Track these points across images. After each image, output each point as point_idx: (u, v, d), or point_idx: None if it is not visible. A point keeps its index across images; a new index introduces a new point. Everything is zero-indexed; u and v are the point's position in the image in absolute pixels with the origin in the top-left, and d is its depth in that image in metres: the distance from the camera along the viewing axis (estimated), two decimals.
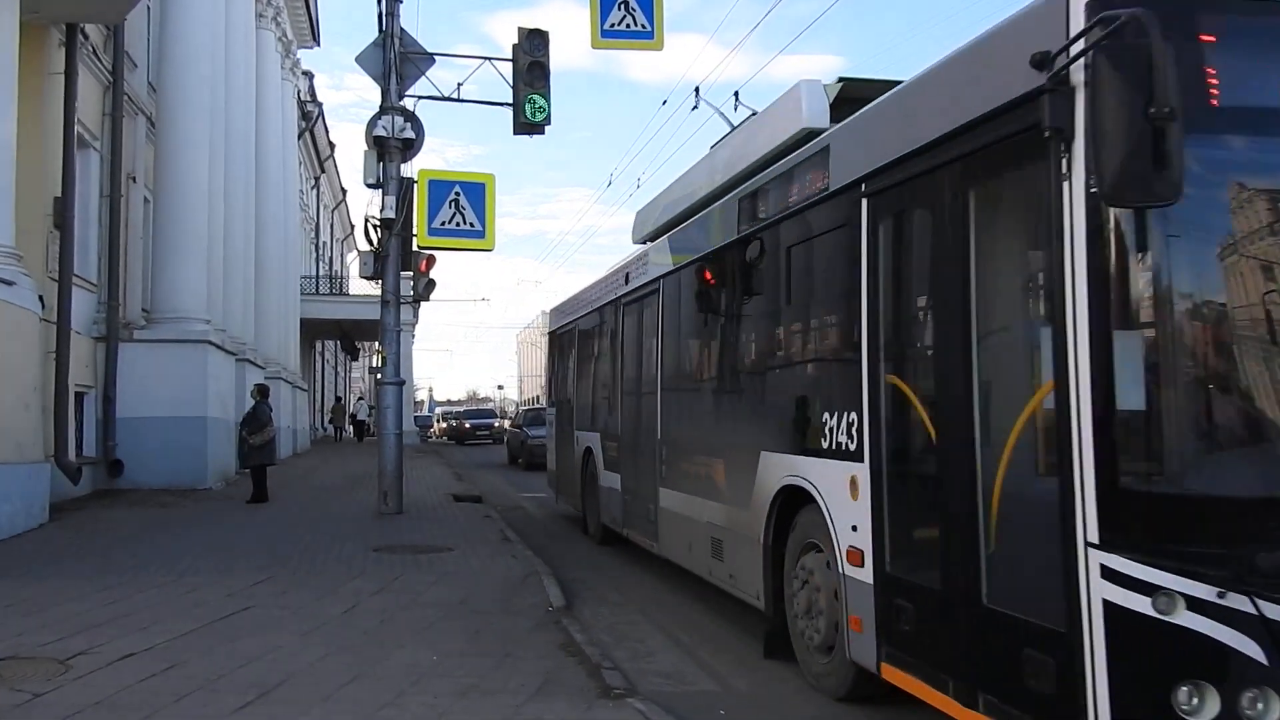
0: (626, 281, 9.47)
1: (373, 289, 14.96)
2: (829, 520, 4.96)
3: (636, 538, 9.04)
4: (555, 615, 6.63)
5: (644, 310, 8.86)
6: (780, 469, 5.60)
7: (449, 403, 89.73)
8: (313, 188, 37.32)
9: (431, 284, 12.90)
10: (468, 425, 41.83)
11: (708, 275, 7.30)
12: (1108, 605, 3.12)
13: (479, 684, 4.95)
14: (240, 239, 19.38)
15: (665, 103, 51.90)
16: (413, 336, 38.02)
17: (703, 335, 7.58)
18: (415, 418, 44.70)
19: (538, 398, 78.42)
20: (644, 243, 9.52)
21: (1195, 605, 3.05)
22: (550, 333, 14.02)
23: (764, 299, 6.36)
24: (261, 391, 13.81)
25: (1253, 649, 3.04)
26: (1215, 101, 3.27)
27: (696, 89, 17.60)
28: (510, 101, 11.89)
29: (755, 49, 45.63)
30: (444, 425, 53.00)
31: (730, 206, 6.69)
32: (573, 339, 12.24)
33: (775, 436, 5.75)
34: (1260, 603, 3.04)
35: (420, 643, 5.76)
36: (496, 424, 41.51)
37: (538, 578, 7.93)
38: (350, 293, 37.14)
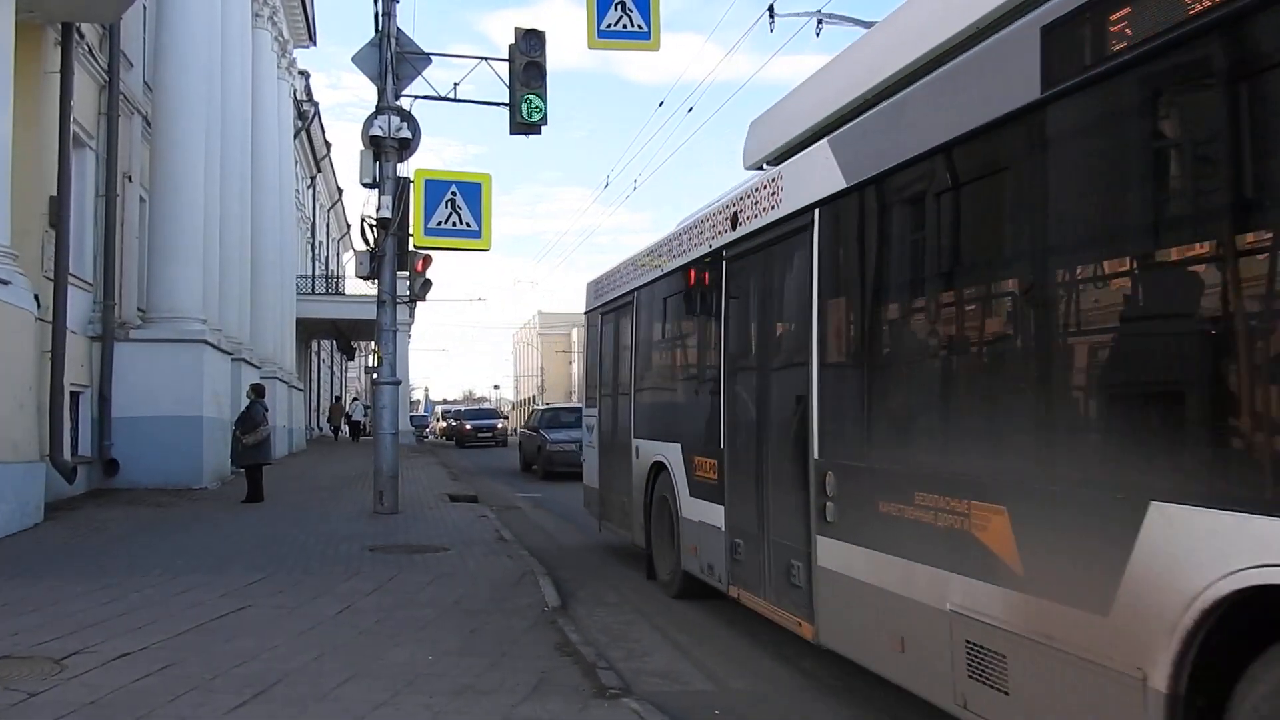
0: (734, 225, 6.43)
1: (369, 289, 14.98)
2: None
3: (761, 605, 5.98)
4: (551, 615, 6.64)
5: (774, 260, 5.94)
6: (1242, 546, 2.70)
7: (445, 402, 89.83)
8: (309, 187, 37.30)
9: (428, 284, 12.90)
10: (468, 427, 39.64)
11: (952, 175, 4.24)
12: None
13: (474, 683, 4.95)
14: (236, 238, 19.37)
15: (662, 104, 51.82)
16: (409, 336, 37.92)
17: (928, 284, 4.50)
18: (411, 418, 44.47)
19: (534, 398, 78.58)
20: (760, 167, 6.70)
21: None
22: (590, 311, 10.71)
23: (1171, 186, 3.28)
24: (256, 391, 13.82)
25: None
26: None
27: (770, 8, 13.26)
28: (507, 101, 11.92)
29: (752, 50, 45.59)
30: (443, 425, 52.57)
31: (1023, 42, 3.64)
32: (630, 316, 9.04)
33: (1243, 474, 2.80)
34: None
35: (416, 642, 5.76)
36: (500, 425, 40.17)
37: (533, 577, 7.94)
38: (346, 292, 37.12)
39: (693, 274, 7.45)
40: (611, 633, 6.64)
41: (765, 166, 6.62)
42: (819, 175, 5.24)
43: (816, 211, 5.25)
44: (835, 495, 4.94)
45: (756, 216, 6.11)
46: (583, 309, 11.04)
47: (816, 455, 5.11)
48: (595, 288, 10.54)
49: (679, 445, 7.55)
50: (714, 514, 6.72)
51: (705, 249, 7.05)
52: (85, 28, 13.07)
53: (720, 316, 6.76)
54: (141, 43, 16.06)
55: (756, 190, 6.16)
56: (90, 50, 13.51)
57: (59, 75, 12.08)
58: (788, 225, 5.63)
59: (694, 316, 7.64)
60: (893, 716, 4.82)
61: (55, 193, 12.02)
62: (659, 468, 8.02)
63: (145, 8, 15.72)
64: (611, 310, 9.80)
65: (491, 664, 5.33)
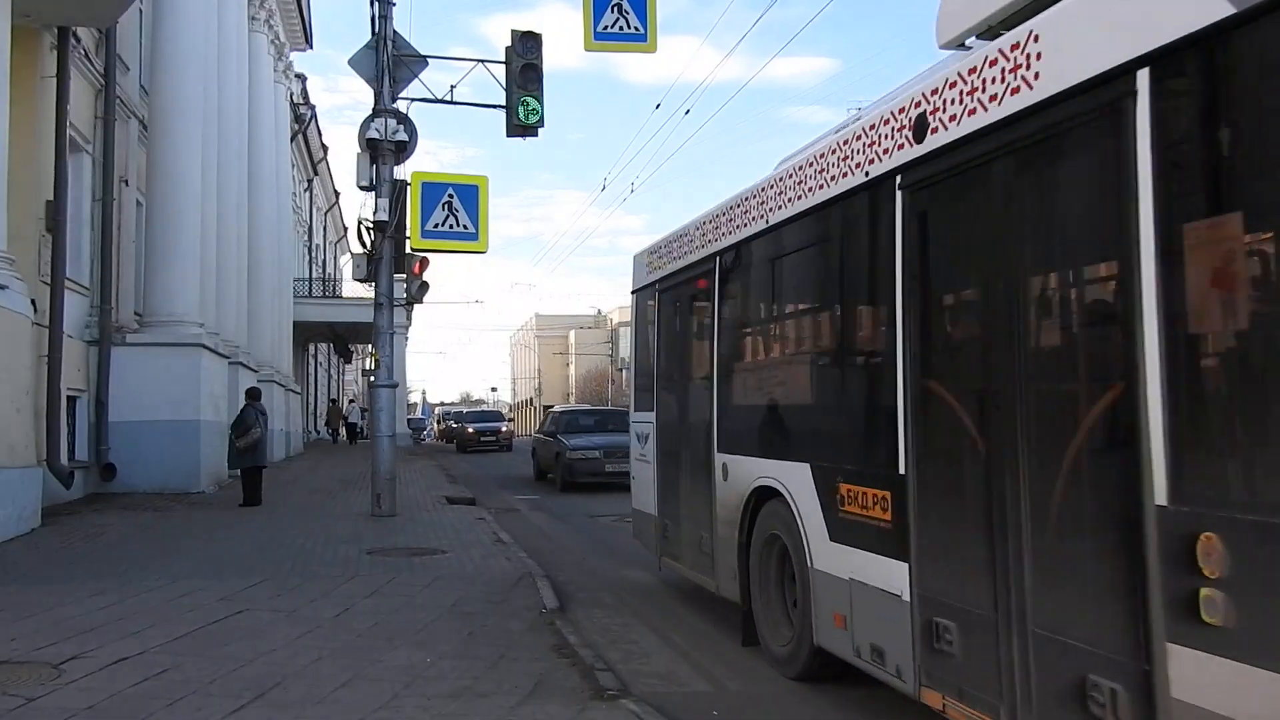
0: (920, 135, 4.30)
1: (366, 291, 14.99)
2: None
3: None
4: (549, 617, 6.65)
5: (1018, 173, 3.76)
6: None
7: (443, 405, 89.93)
8: (306, 190, 37.29)
9: (425, 286, 12.92)
10: (471, 430, 38.03)
11: None
12: None
13: (473, 686, 4.96)
14: (233, 242, 19.37)
15: (659, 107, 51.86)
16: (406, 339, 37.91)
17: None
18: (408, 420, 44.32)
19: (531, 400, 78.35)
20: (963, 45, 4.68)
21: None
22: (641, 289, 8.50)
23: None
24: (251, 395, 13.82)
25: None
26: None
27: None
28: (504, 104, 11.93)
29: (749, 52, 45.66)
30: (443, 427, 52.28)
31: None
32: (711, 287, 6.85)
33: None
34: None
35: (414, 645, 5.77)
36: (504, 429, 39.33)
37: (531, 579, 7.95)
38: (343, 295, 37.12)
39: (834, 217, 5.24)
40: (609, 634, 6.64)
41: (971, 42, 4.60)
42: (1147, 13, 3.11)
43: (1143, 74, 3.10)
44: (1226, 578, 2.72)
45: (976, 111, 3.93)
46: (630, 288, 8.80)
47: (1166, 500, 2.93)
48: (650, 258, 8.24)
49: (806, 465, 5.34)
50: (885, 573, 4.47)
51: (858, 179, 4.84)
52: (81, 32, 13.09)
53: (891, 274, 4.51)
54: (138, 46, 16.06)
55: (973, 72, 3.95)
56: (86, 54, 13.51)
57: (55, 80, 12.09)
58: (1063, 109, 3.47)
59: (833, 278, 5.53)
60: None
61: (52, 197, 12.03)
62: (765, 495, 5.86)
63: (141, 11, 15.73)
64: (677, 284, 7.59)
65: (490, 666, 5.34)
